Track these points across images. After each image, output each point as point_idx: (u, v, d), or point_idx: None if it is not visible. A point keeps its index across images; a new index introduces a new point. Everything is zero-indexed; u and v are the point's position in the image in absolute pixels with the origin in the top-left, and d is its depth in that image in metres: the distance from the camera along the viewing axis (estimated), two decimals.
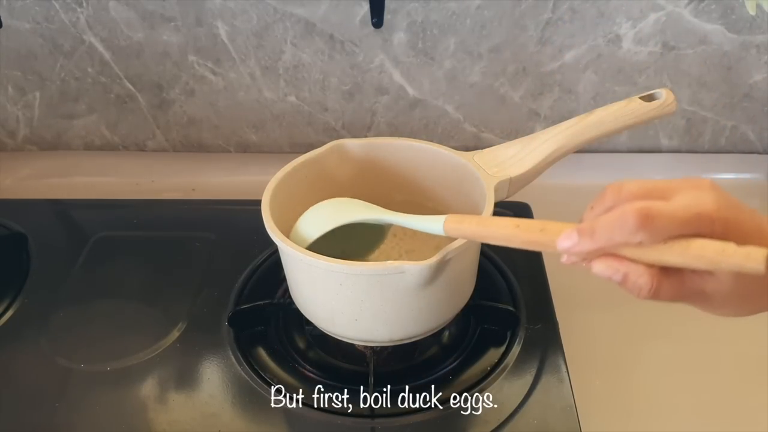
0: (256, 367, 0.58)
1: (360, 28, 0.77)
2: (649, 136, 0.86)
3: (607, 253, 0.36)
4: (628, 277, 0.35)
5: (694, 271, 0.35)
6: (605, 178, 0.86)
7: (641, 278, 0.35)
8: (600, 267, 0.36)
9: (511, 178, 0.55)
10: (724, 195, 0.35)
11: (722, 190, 0.35)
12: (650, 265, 0.35)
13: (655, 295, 0.35)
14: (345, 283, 0.51)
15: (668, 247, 0.34)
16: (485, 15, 0.76)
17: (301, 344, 0.61)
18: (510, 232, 0.41)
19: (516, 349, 0.58)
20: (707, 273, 0.35)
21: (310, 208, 0.55)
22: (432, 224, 0.47)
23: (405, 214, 0.52)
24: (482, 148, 0.58)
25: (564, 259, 0.38)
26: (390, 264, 0.48)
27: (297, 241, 0.52)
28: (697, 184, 0.35)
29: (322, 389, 0.56)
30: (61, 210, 0.79)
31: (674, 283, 0.36)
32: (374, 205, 0.55)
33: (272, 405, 0.55)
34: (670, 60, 0.79)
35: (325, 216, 0.54)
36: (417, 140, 0.61)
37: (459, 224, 0.45)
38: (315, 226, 0.53)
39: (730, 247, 0.32)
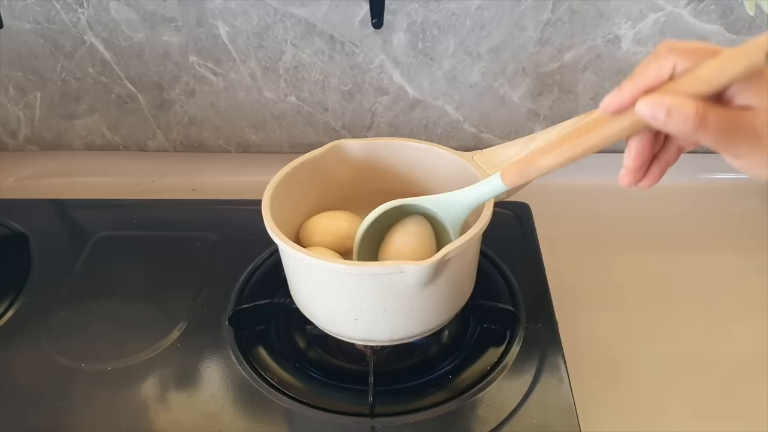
0: (256, 366, 0.58)
1: (360, 28, 0.77)
2: None
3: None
4: (672, 109, 0.35)
5: (740, 105, 0.35)
6: (605, 178, 0.86)
7: (685, 106, 0.34)
8: (642, 106, 0.36)
9: None
10: None
11: None
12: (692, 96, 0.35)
13: (702, 123, 0.35)
14: (345, 283, 0.51)
15: (700, 70, 0.34)
16: (485, 15, 0.76)
17: (302, 344, 0.61)
18: (558, 160, 0.42)
19: (515, 349, 0.58)
20: (745, 106, 0.35)
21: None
22: (489, 187, 0.48)
23: (451, 193, 0.52)
24: (482, 148, 0.59)
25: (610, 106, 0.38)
26: (390, 264, 0.49)
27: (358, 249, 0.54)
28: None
29: (322, 389, 0.56)
30: (62, 210, 0.79)
31: (720, 111, 0.35)
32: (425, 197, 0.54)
33: (272, 405, 0.55)
34: None
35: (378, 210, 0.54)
36: (417, 140, 0.61)
37: (519, 172, 0.45)
38: (369, 219, 0.54)
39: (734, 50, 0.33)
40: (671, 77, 0.36)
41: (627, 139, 0.40)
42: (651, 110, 0.35)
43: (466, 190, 0.51)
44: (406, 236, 0.55)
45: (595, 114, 0.55)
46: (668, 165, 0.41)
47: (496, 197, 0.50)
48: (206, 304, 0.64)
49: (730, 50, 0.34)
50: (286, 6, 0.76)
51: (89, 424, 0.54)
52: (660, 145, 0.41)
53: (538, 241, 0.69)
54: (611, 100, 0.37)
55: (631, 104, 0.37)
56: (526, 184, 0.47)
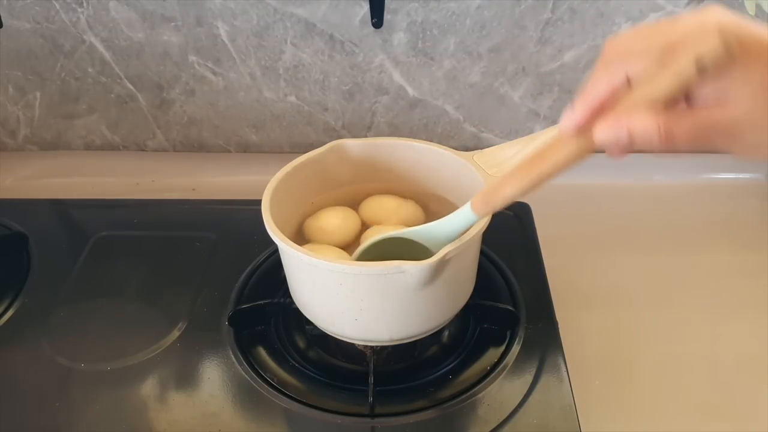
0: (256, 366, 0.58)
1: (360, 28, 0.77)
2: None
3: (601, 113, 0.34)
4: (633, 130, 0.33)
5: (703, 104, 0.33)
6: (605, 178, 0.86)
7: (646, 124, 0.32)
8: (601, 131, 0.34)
9: None
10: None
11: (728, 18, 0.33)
12: (651, 110, 0.33)
13: (669, 138, 0.32)
14: (345, 282, 0.51)
15: (654, 74, 0.32)
16: (485, 15, 0.76)
17: (301, 344, 0.61)
18: (520, 185, 0.41)
19: (516, 349, 0.58)
20: (717, 100, 0.33)
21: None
22: (462, 216, 0.48)
23: (432, 223, 0.52)
24: (482, 148, 0.58)
25: (566, 126, 0.37)
26: (390, 264, 0.48)
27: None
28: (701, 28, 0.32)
29: (322, 389, 0.56)
30: (62, 210, 0.79)
31: (685, 120, 0.33)
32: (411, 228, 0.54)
33: (272, 405, 0.55)
34: None
35: (367, 243, 0.55)
36: (417, 140, 0.61)
37: (485, 203, 0.45)
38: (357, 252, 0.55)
39: (689, 39, 0.31)
40: (626, 83, 0.34)
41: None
42: (612, 136, 0.34)
43: (443, 221, 0.50)
44: None
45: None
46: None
47: (468, 226, 0.49)
48: (206, 304, 0.64)
49: (682, 46, 0.32)
50: (285, 6, 0.76)
51: (89, 424, 0.54)
52: None
53: (538, 241, 0.69)
54: (567, 123, 0.36)
55: (589, 123, 0.35)
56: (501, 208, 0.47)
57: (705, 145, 0.34)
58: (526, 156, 0.41)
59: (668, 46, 0.33)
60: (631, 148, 0.34)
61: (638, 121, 0.33)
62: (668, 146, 0.33)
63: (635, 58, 0.34)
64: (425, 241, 0.53)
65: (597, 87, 0.35)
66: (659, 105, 0.33)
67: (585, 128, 0.35)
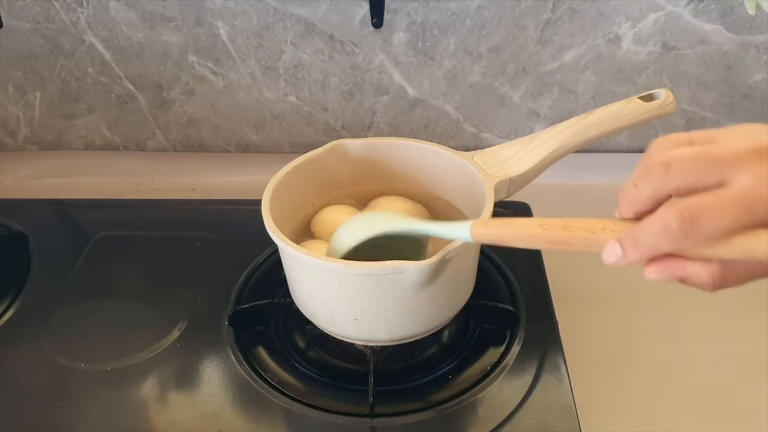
0: (256, 366, 0.58)
1: (360, 28, 0.77)
2: (649, 136, 0.86)
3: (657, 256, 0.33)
4: (686, 278, 0.33)
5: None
6: (605, 178, 0.86)
7: (700, 275, 0.32)
8: (652, 274, 0.34)
9: (510, 178, 0.55)
10: None
11: None
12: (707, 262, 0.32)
13: (721, 286, 0.33)
14: (345, 283, 0.51)
15: (722, 244, 0.31)
16: (485, 15, 0.76)
17: (301, 344, 0.61)
18: (535, 232, 0.39)
19: (516, 349, 0.58)
20: None
21: (346, 222, 0.53)
22: (457, 232, 0.46)
23: (429, 222, 0.50)
24: (482, 148, 0.58)
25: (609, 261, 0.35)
26: (390, 264, 0.48)
27: (333, 254, 0.51)
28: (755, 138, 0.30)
29: (322, 389, 0.56)
30: (62, 210, 0.79)
31: (739, 270, 0.33)
32: (408, 218, 0.52)
33: (272, 405, 0.55)
34: (670, 60, 0.79)
35: (354, 229, 0.52)
36: (417, 140, 0.61)
37: (485, 229, 0.43)
38: (345, 240, 0.52)
39: None
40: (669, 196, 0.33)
41: None
42: (663, 278, 0.33)
43: (436, 225, 0.49)
44: None
45: (597, 113, 0.55)
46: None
47: (457, 240, 0.48)
48: (206, 304, 0.64)
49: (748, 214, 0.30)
50: (285, 6, 0.76)
51: (89, 424, 0.54)
52: None
53: None
54: (615, 260, 0.35)
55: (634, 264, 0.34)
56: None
57: (757, 279, 0.34)
58: (550, 221, 0.40)
59: (716, 155, 0.31)
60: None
61: (693, 269, 0.32)
62: (718, 289, 0.33)
63: (684, 175, 0.32)
64: (412, 235, 0.51)
65: (639, 197, 0.33)
66: (715, 262, 0.32)
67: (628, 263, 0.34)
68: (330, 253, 0.52)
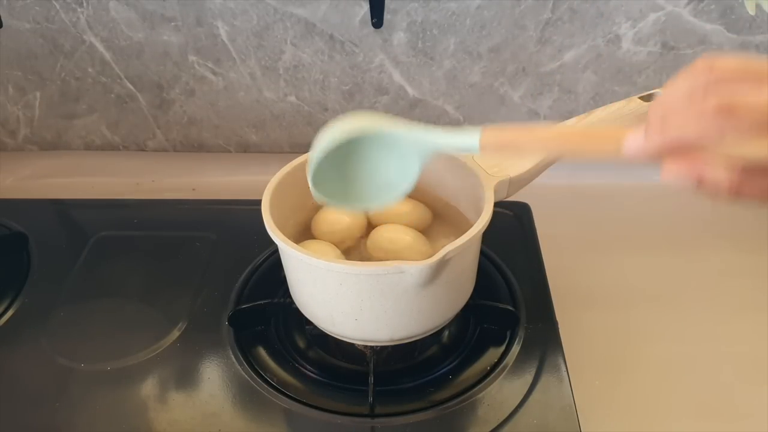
0: (256, 366, 0.58)
1: (360, 28, 0.77)
2: None
3: (677, 152, 0.32)
4: (703, 180, 0.31)
5: None
6: (605, 178, 0.86)
7: (718, 179, 0.31)
8: (671, 172, 0.32)
9: (510, 178, 0.55)
10: None
11: None
12: (727, 166, 0.31)
13: (736, 195, 0.31)
14: (345, 282, 0.51)
15: (752, 143, 0.30)
16: (485, 15, 0.76)
17: (301, 344, 0.61)
18: (552, 133, 0.37)
19: (516, 349, 0.58)
20: None
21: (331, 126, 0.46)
22: (463, 140, 0.41)
23: (427, 129, 0.44)
24: None
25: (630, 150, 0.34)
26: (390, 264, 0.48)
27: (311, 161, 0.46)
28: None
29: (322, 389, 0.56)
30: (62, 210, 0.79)
31: (759, 178, 0.31)
32: (401, 123, 0.45)
33: (272, 405, 0.55)
34: (670, 60, 0.79)
35: (336, 130, 0.45)
36: None
37: (498, 133, 0.40)
38: (318, 149, 0.45)
39: None
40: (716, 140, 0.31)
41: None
42: (681, 178, 0.32)
43: (435, 133, 0.44)
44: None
45: (597, 113, 0.55)
46: None
47: (461, 151, 0.45)
48: (206, 304, 0.64)
49: None
50: (285, 6, 0.76)
51: (89, 424, 0.54)
52: None
53: (538, 241, 0.69)
54: (636, 148, 0.33)
55: (655, 156, 0.33)
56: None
57: None
58: (566, 126, 0.38)
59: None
60: (693, 188, 0.33)
61: (711, 173, 0.32)
62: (733, 200, 0.32)
63: (742, 121, 0.30)
64: (402, 142, 0.45)
65: (685, 130, 0.31)
66: (738, 165, 0.31)
67: (650, 157, 0.33)
68: (310, 160, 0.46)
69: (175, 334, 0.61)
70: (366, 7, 0.75)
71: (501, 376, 0.56)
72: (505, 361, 0.57)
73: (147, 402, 0.56)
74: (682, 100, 0.31)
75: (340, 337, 0.56)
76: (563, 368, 0.57)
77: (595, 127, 0.35)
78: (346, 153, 0.46)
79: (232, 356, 0.59)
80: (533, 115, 0.84)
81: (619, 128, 0.35)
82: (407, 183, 0.47)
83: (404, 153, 0.46)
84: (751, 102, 0.29)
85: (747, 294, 0.68)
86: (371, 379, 0.55)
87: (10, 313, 0.64)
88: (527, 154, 0.38)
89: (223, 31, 0.78)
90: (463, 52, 0.79)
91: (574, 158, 0.37)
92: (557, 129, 0.38)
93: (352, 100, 0.83)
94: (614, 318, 0.65)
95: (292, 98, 0.84)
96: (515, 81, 0.81)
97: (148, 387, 0.57)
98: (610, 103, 0.56)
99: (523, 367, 0.57)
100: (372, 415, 0.54)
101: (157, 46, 0.80)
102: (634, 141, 0.33)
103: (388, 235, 0.58)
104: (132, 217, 0.76)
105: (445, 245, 0.49)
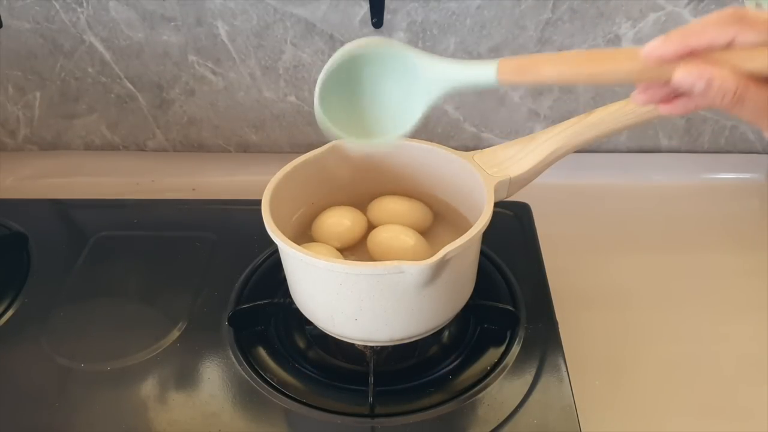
0: (256, 366, 0.58)
1: (360, 28, 0.77)
2: (649, 136, 0.86)
3: (692, 56, 0.35)
4: (712, 83, 0.34)
5: None
6: (605, 178, 0.86)
7: (726, 82, 0.34)
8: (682, 73, 0.35)
9: (510, 178, 0.55)
10: None
11: None
12: (735, 72, 0.34)
13: (739, 100, 0.34)
14: (345, 282, 0.51)
15: (758, 49, 0.33)
16: (485, 15, 0.76)
17: (301, 344, 0.61)
18: (573, 55, 0.39)
19: (516, 349, 0.58)
20: None
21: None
22: (481, 69, 0.41)
23: (443, 58, 0.43)
24: (482, 148, 0.58)
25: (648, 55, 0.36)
26: (390, 264, 0.48)
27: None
28: None
29: (322, 389, 0.56)
30: (61, 210, 0.79)
31: (762, 93, 0.34)
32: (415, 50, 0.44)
33: (272, 405, 0.55)
34: None
35: (344, 48, 0.46)
36: (417, 140, 0.61)
37: (515, 60, 0.40)
38: (330, 61, 0.46)
39: None
40: (727, 46, 0.34)
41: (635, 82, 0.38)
42: (692, 80, 0.34)
43: (455, 64, 0.43)
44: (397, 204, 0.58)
45: (597, 113, 0.55)
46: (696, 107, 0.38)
47: (477, 86, 0.43)
48: (206, 304, 0.64)
49: None
50: (285, 5, 0.76)
51: (89, 424, 0.54)
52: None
53: (538, 241, 0.69)
54: (655, 48, 0.35)
55: (673, 60, 0.35)
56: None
57: (764, 119, 0.35)
58: (578, 52, 0.40)
59: None
60: (700, 102, 0.36)
61: (720, 77, 0.34)
62: (735, 107, 0.34)
63: (752, 29, 0.34)
64: (415, 70, 0.45)
65: (701, 34, 0.35)
66: (745, 72, 0.34)
67: (666, 61, 0.36)
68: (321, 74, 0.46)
69: (175, 334, 0.61)
70: (366, 7, 0.75)
71: (501, 376, 0.56)
72: (505, 361, 0.57)
73: (147, 402, 0.56)
74: (703, 20, 0.35)
75: (340, 337, 0.56)
76: (563, 368, 0.57)
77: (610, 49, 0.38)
78: (357, 81, 0.47)
79: (232, 356, 0.59)
80: (533, 115, 0.84)
81: (634, 48, 0.37)
82: (413, 119, 0.48)
83: (415, 87, 0.46)
84: (762, 16, 0.34)
85: (747, 294, 0.68)
86: (371, 379, 0.55)
87: (10, 313, 0.64)
88: (545, 79, 0.40)
89: (223, 31, 0.78)
90: (463, 52, 0.79)
91: (592, 82, 0.38)
92: (574, 52, 0.40)
93: None
94: (614, 318, 0.65)
95: (292, 98, 0.84)
96: None
97: (148, 387, 0.57)
98: (610, 103, 0.56)
99: (523, 367, 0.57)
100: (372, 415, 0.54)
101: (157, 46, 0.80)
102: (654, 45, 0.35)
103: (388, 235, 0.58)
104: (132, 217, 0.76)
105: (445, 245, 0.49)
